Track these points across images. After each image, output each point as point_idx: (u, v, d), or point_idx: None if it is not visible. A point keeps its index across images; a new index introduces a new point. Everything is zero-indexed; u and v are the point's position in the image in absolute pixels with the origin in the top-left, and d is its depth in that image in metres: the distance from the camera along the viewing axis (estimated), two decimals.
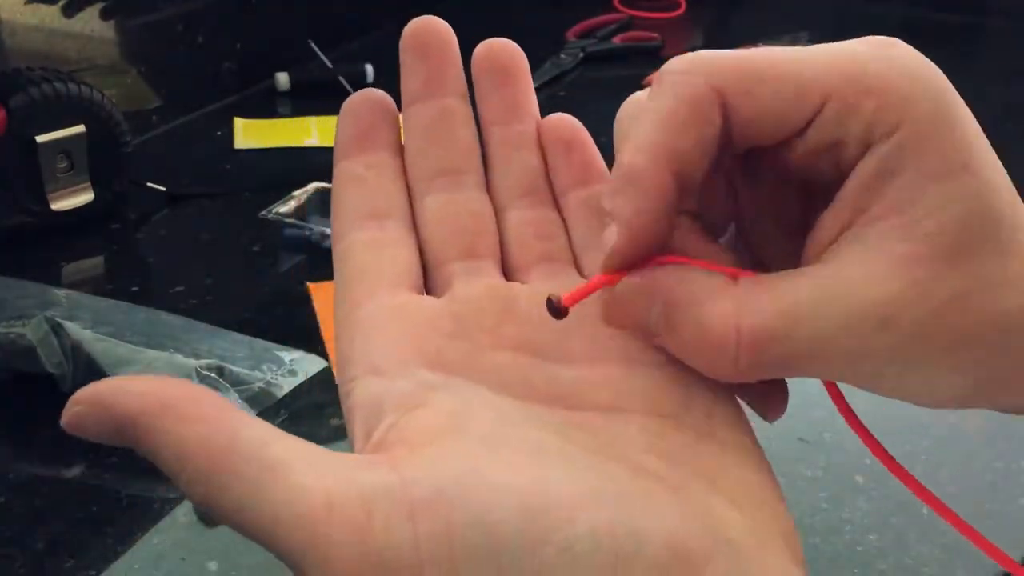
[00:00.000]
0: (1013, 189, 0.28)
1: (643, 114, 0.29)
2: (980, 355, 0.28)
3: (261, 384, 0.62)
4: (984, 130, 0.28)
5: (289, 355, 0.65)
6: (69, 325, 0.60)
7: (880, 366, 0.29)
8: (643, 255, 0.29)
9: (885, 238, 0.27)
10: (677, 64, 0.29)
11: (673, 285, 0.28)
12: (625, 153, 0.28)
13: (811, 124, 0.28)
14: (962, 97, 0.29)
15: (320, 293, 0.72)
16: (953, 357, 0.28)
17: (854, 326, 0.27)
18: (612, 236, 0.28)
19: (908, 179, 0.27)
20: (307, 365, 0.65)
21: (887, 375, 0.30)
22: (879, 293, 0.27)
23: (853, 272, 0.27)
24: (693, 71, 0.28)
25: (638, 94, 0.33)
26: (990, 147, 0.28)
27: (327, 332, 0.68)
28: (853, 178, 0.27)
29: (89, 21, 1.02)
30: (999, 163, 0.28)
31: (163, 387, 0.26)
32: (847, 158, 0.28)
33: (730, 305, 0.28)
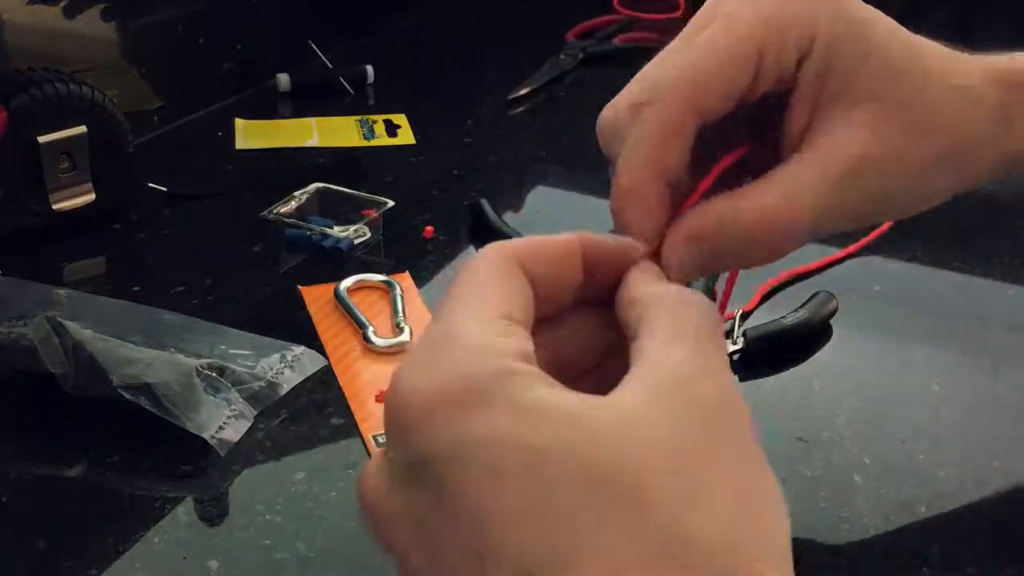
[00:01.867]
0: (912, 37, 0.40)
1: (629, 139, 0.37)
2: (945, 149, 0.41)
3: (262, 383, 0.62)
4: None
5: (291, 352, 0.65)
6: (70, 325, 0.60)
7: (879, 185, 0.39)
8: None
9: (840, 116, 0.38)
10: (648, 96, 0.37)
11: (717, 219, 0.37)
12: (623, 175, 0.37)
13: (757, 75, 0.37)
14: None
15: (312, 295, 0.72)
16: (929, 160, 0.40)
17: (854, 170, 0.38)
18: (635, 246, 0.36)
19: (839, 70, 0.38)
20: (308, 363, 0.65)
21: (891, 191, 0.40)
22: (856, 145, 0.38)
23: (831, 143, 0.38)
24: (665, 99, 0.36)
25: (614, 102, 0.39)
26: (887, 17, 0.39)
27: (324, 333, 0.68)
28: (799, 89, 0.38)
29: (90, 22, 1.02)
30: (894, 22, 0.40)
31: None
32: (788, 77, 0.38)
33: (773, 197, 0.37)
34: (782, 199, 0.37)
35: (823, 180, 0.37)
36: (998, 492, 0.57)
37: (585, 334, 0.35)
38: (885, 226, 0.79)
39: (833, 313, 0.70)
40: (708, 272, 0.39)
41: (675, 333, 0.30)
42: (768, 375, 0.66)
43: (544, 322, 0.33)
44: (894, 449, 0.60)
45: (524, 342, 0.30)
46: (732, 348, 0.66)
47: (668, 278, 0.36)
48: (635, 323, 0.32)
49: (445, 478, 0.27)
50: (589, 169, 0.95)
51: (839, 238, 0.80)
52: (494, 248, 0.32)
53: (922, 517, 0.55)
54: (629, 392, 0.28)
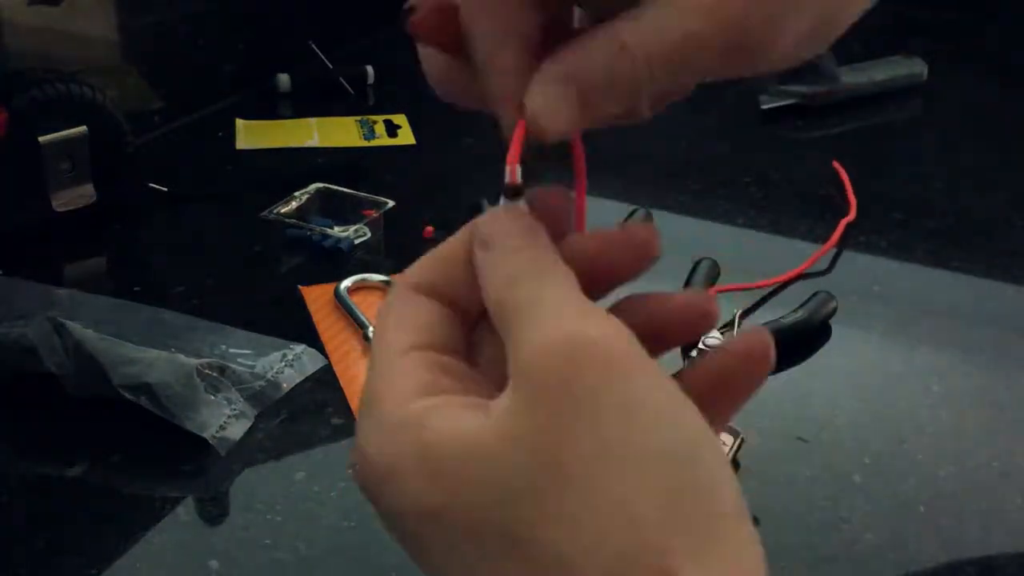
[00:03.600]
0: None
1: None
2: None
3: (262, 383, 0.62)
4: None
5: (291, 351, 0.65)
6: (71, 325, 0.60)
7: (741, 28, 0.31)
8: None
9: None
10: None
11: (575, 65, 0.32)
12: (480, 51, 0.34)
13: None
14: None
15: (312, 295, 0.72)
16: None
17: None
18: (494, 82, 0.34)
19: None
20: (308, 361, 0.65)
21: (752, 29, 0.31)
22: None
23: None
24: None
25: None
26: None
27: (324, 333, 0.69)
28: None
29: (90, 22, 1.02)
30: None
31: None
32: None
33: (620, 41, 0.31)
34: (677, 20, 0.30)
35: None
36: (997, 492, 0.57)
37: None
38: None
39: (832, 313, 0.70)
40: (577, 125, 0.34)
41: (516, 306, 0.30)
42: (768, 375, 0.66)
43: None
44: (894, 449, 0.60)
45: (423, 372, 0.30)
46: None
47: (538, 134, 0.34)
48: (501, 326, 0.31)
49: (398, 541, 0.31)
50: (589, 169, 0.95)
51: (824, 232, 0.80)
52: (393, 282, 0.34)
53: (922, 516, 0.55)
54: (497, 407, 0.28)
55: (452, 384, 0.30)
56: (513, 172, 0.34)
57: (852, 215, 0.83)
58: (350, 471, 0.31)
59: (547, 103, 0.33)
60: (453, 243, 0.33)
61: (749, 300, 0.71)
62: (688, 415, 0.28)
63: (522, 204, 0.34)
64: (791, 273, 0.75)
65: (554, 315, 0.29)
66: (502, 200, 0.34)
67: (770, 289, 0.73)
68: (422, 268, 0.33)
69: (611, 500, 0.27)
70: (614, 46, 0.31)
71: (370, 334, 0.67)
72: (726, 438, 0.57)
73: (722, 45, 0.31)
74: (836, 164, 0.90)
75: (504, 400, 0.28)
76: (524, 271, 0.31)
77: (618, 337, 0.28)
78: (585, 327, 0.28)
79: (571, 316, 0.29)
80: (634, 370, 0.28)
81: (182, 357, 0.60)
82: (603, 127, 0.35)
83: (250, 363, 0.63)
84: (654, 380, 0.28)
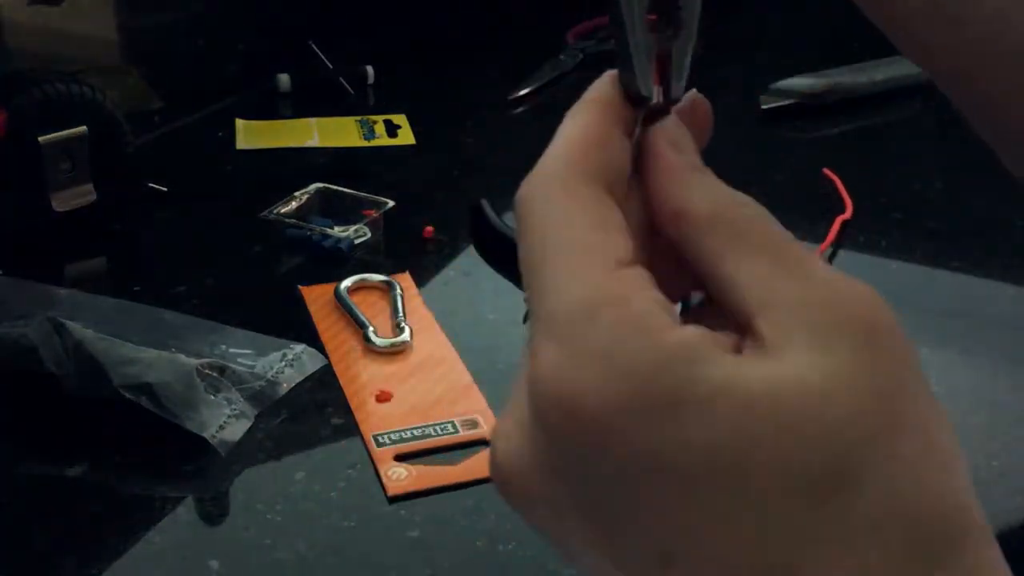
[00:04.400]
0: None
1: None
2: None
3: (262, 382, 0.62)
4: None
5: (291, 350, 0.65)
6: (71, 325, 0.60)
7: None
8: None
9: None
10: None
11: None
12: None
13: None
14: None
15: (312, 295, 0.72)
16: None
17: None
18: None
19: None
20: (308, 361, 0.65)
21: None
22: None
23: None
24: None
25: None
26: None
27: (324, 333, 0.69)
28: None
29: (90, 22, 1.02)
30: None
31: None
32: None
33: None
34: None
35: None
36: (997, 492, 0.57)
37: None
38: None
39: None
40: None
41: (782, 254, 0.26)
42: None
43: None
44: None
45: (655, 291, 0.26)
46: None
47: None
48: (705, 243, 0.27)
49: (626, 484, 0.24)
50: None
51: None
52: (550, 176, 0.28)
53: None
54: (794, 349, 0.24)
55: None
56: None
57: (848, 214, 0.83)
58: (531, 395, 0.25)
59: None
60: (597, 125, 0.29)
61: None
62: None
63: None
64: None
65: (835, 272, 0.26)
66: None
67: None
68: (588, 160, 0.28)
69: (943, 453, 0.25)
70: None
71: (371, 334, 0.67)
72: None
73: None
74: (827, 172, 0.89)
75: (806, 351, 0.24)
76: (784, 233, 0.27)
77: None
78: (872, 290, 0.27)
79: (852, 279, 0.27)
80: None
81: (182, 357, 0.60)
82: None
83: (250, 363, 0.63)
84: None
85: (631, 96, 0.30)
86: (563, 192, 0.27)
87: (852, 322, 0.25)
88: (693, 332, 0.25)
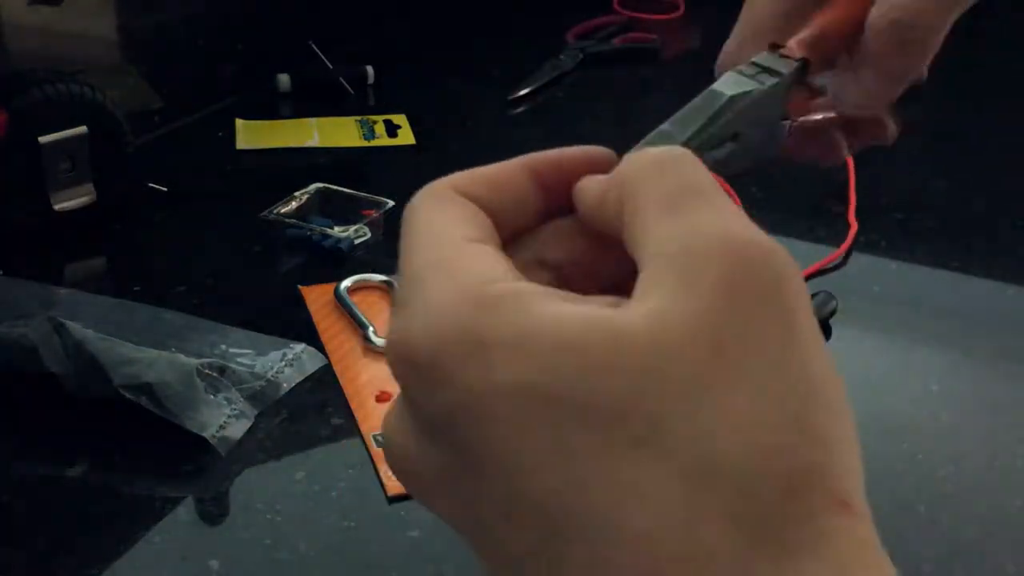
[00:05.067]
0: None
1: None
2: None
3: (262, 382, 0.62)
4: None
5: (291, 350, 0.65)
6: (71, 325, 0.60)
7: None
8: None
9: None
10: None
11: None
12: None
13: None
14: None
15: (312, 295, 0.72)
16: None
17: None
18: None
19: None
20: (308, 361, 0.65)
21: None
22: None
23: None
24: None
25: None
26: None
27: (324, 333, 0.69)
28: None
29: (90, 22, 1.02)
30: None
31: None
32: None
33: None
34: None
35: None
36: (997, 492, 0.57)
37: (568, 245, 0.30)
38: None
39: (833, 313, 0.70)
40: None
41: (667, 200, 0.26)
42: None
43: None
44: (894, 449, 0.60)
45: (504, 262, 0.27)
46: None
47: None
48: (615, 207, 0.27)
49: (460, 434, 0.25)
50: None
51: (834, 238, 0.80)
52: (427, 187, 0.30)
53: (921, 517, 0.55)
54: (649, 298, 0.24)
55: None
56: None
57: (852, 207, 0.83)
58: (387, 349, 0.26)
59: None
60: (505, 166, 0.31)
61: None
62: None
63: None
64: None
65: (724, 217, 0.26)
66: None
67: None
68: (465, 180, 0.30)
69: (790, 412, 0.24)
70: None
71: (371, 334, 0.67)
72: None
73: None
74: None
75: (666, 290, 0.24)
76: (689, 178, 0.27)
77: (784, 250, 0.26)
78: (759, 235, 0.26)
79: (741, 223, 0.26)
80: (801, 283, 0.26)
81: (182, 357, 0.60)
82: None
83: (250, 363, 0.63)
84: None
85: None
86: (434, 198, 0.30)
87: (716, 266, 0.24)
88: (522, 283, 0.25)
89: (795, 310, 0.25)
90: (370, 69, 1.09)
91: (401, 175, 0.92)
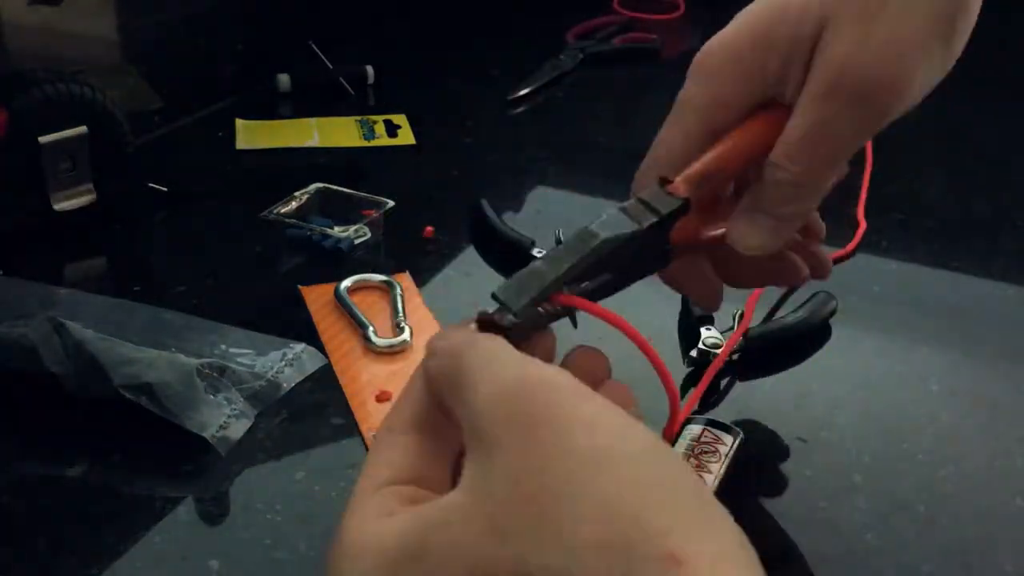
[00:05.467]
0: None
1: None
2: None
3: (263, 382, 0.62)
4: None
5: (291, 349, 0.65)
6: (71, 325, 0.60)
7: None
8: None
9: None
10: None
11: None
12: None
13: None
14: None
15: (312, 295, 0.72)
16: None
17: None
18: None
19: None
20: (308, 360, 0.65)
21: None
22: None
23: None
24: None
25: None
26: None
27: (324, 333, 0.69)
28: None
29: (90, 22, 1.02)
30: None
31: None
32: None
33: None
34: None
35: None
36: (997, 492, 0.57)
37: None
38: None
39: (833, 313, 0.70)
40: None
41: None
42: (768, 375, 0.66)
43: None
44: (894, 449, 0.60)
45: (389, 502, 0.33)
46: (732, 348, 0.66)
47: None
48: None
49: None
50: (589, 169, 0.95)
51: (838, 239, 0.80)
52: (379, 430, 0.38)
53: (921, 517, 0.55)
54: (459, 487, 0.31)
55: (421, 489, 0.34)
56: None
57: (862, 206, 0.83)
58: None
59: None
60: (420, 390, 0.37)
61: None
62: (639, 424, 0.30)
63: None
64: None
65: (498, 366, 0.32)
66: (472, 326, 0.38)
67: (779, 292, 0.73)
68: (404, 408, 0.37)
69: (601, 502, 0.28)
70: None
71: (371, 334, 0.67)
72: (726, 438, 0.57)
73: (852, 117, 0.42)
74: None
75: (468, 461, 0.30)
76: (461, 343, 0.34)
77: (560, 373, 0.31)
78: (528, 368, 0.31)
79: (513, 363, 0.32)
80: (583, 394, 0.30)
81: (182, 357, 0.60)
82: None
83: (250, 363, 0.63)
84: (602, 401, 0.30)
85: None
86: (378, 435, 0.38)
87: (494, 422, 0.31)
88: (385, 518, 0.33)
89: (570, 424, 0.30)
90: (370, 69, 1.09)
91: (401, 175, 0.92)
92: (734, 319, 0.68)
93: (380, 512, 0.32)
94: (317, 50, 1.08)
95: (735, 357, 0.66)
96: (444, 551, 0.29)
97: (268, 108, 1.04)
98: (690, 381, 0.64)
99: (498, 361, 0.32)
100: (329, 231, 0.79)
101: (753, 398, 0.64)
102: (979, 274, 0.79)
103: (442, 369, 0.34)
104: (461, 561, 0.29)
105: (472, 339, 0.35)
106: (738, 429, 0.58)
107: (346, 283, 0.72)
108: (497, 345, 0.34)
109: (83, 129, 0.79)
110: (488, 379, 0.31)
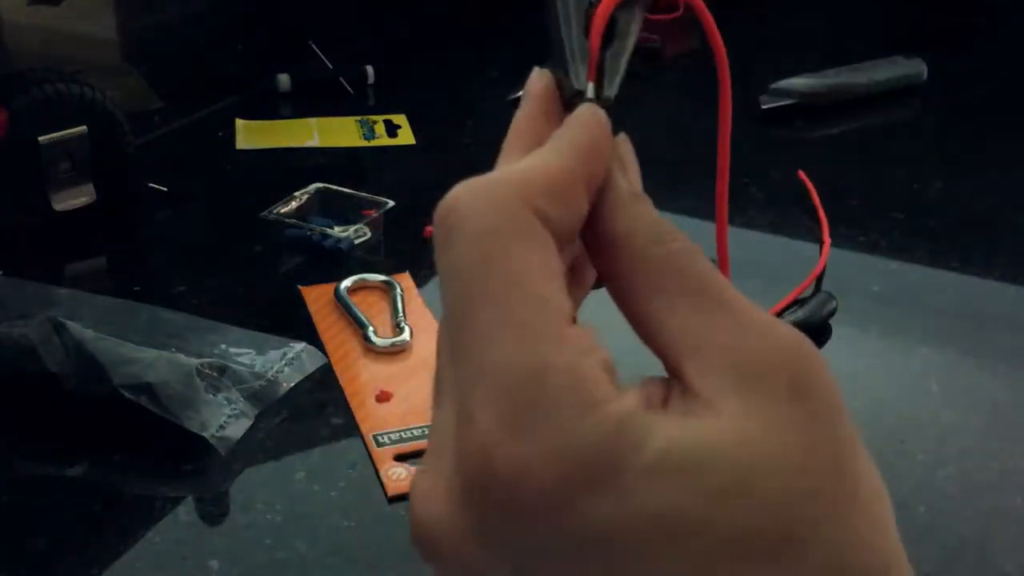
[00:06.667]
0: None
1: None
2: None
3: (263, 382, 0.62)
4: None
5: (292, 349, 0.65)
6: (71, 324, 0.60)
7: None
8: None
9: None
10: None
11: None
12: None
13: None
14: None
15: (312, 295, 0.72)
16: None
17: None
18: None
19: None
20: (308, 360, 0.65)
21: None
22: None
23: None
24: None
25: None
26: None
27: (324, 333, 0.69)
28: None
29: (90, 22, 1.02)
30: None
31: None
32: None
33: None
34: None
35: None
36: (997, 492, 0.57)
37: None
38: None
39: (833, 313, 0.70)
40: None
41: (694, 294, 0.25)
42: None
43: None
44: (894, 449, 0.60)
45: (602, 351, 0.25)
46: None
47: None
48: (636, 279, 0.26)
49: (575, 559, 0.23)
50: None
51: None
52: (495, 198, 0.26)
53: (921, 517, 0.55)
54: (727, 401, 0.24)
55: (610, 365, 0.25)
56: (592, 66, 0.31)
57: (825, 228, 0.82)
58: (484, 473, 0.24)
59: None
60: (568, 174, 0.27)
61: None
62: None
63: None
64: (788, 298, 0.74)
65: (756, 318, 0.25)
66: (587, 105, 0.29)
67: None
68: (536, 193, 0.26)
69: (875, 501, 0.26)
70: None
71: (371, 334, 0.67)
72: None
73: None
74: (801, 174, 0.89)
75: (741, 403, 0.24)
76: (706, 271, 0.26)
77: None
78: (792, 330, 0.25)
79: (769, 321, 0.25)
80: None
81: (182, 357, 0.60)
82: None
83: (250, 362, 0.63)
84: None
85: (565, 93, 0.31)
86: (517, 226, 0.25)
87: (783, 370, 0.24)
88: (633, 400, 0.24)
89: (843, 405, 0.25)
90: (370, 69, 1.09)
91: (401, 175, 0.92)
92: None
93: (605, 373, 0.24)
94: (317, 50, 1.08)
95: None
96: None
97: (268, 108, 1.04)
98: None
99: (749, 311, 0.25)
100: (329, 231, 0.79)
101: None
102: (979, 274, 0.79)
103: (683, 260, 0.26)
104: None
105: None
106: None
107: (346, 283, 0.72)
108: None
109: (83, 129, 0.79)
110: (759, 322, 0.25)
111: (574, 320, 0.25)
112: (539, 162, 0.27)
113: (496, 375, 0.24)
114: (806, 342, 0.25)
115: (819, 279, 0.75)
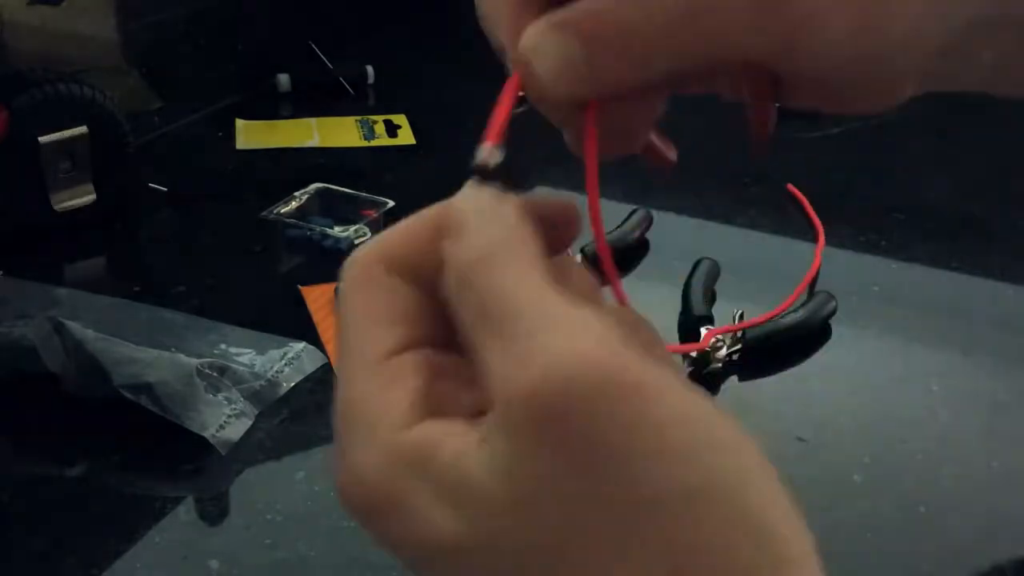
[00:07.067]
0: None
1: None
2: None
3: (263, 382, 0.62)
4: None
5: (291, 349, 0.65)
6: (71, 325, 0.60)
7: None
8: None
9: None
10: None
11: None
12: None
13: None
14: None
15: (312, 295, 0.72)
16: None
17: None
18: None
19: None
20: (308, 360, 0.65)
21: None
22: None
23: None
24: None
25: None
26: None
27: (324, 334, 0.69)
28: None
29: (90, 22, 1.02)
30: None
31: None
32: None
33: None
34: None
35: None
36: (996, 491, 0.57)
37: None
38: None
39: (832, 313, 0.70)
40: (582, 88, 0.29)
41: (484, 318, 0.25)
42: (768, 375, 0.66)
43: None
44: (894, 449, 0.60)
45: (413, 379, 0.27)
46: (732, 348, 0.66)
47: (536, 94, 0.30)
48: (459, 312, 0.26)
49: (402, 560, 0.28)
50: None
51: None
52: (356, 263, 0.28)
53: (921, 517, 0.55)
54: (494, 445, 0.25)
55: (448, 389, 0.27)
56: (491, 145, 0.31)
57: (820, 233, 0.82)
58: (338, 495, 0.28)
59: (546, 53, 0.29)
60: (426, 217, 0.28)
61: (750, 301, 0.71)
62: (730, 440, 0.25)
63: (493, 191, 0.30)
64: (788, 302, 0.74)
65: (543, 329, 0.24)
66: (471, 182, 0.30)
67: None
68: (391, 242, 0.28)
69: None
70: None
71: None
72: None
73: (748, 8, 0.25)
74: (791, 187, 0.89)
75: (492, 437, 0.24)
76: (500, 269, 0.25)
77: (620, 356, 0.23)
78: (576, 346, 0.23)
79: (565, 332, 0.24)
80: (649, 397, 0.23)
81: (182, 357, 0.60)
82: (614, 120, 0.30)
83: (250, 362, 0.63)
84: (677, 407, 0.24)
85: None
86: (363, 277, 0.29)
87: (525, 423, 0.24)
88: (422, 430, 0.26)
89: (625, 451, 0.23)
90: (370, 69, 1.09)
91: (401, 175, 0.92)
92: (734, 319, 0.68)
93: (412, 400, 0.27)
94: (317, 50, 1.08)
95: (735, 357, 0.66)
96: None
97: (268, 108, 1.04)
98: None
99: (541, 321, 0.24)
100: (329, 231, 0.79)
101: (753, 398, 0.64)
102: (979, 274, 0.79)
103: (468, 281, 0.26)
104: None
105: (510, 270, 0.26)
106: None
107: None
108: (537, 287, 0.26)
109: (83, 129, 0.79)
110: (523, 352, 0.24)
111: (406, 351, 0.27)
112: (400, 226, 0.30)
113: (336, 403, 0.29)
114: (564, 367, 0.23)
115: (812, 283, 0.75)
